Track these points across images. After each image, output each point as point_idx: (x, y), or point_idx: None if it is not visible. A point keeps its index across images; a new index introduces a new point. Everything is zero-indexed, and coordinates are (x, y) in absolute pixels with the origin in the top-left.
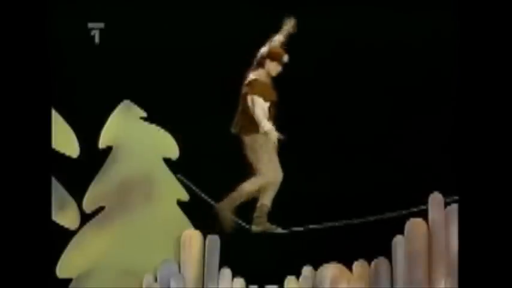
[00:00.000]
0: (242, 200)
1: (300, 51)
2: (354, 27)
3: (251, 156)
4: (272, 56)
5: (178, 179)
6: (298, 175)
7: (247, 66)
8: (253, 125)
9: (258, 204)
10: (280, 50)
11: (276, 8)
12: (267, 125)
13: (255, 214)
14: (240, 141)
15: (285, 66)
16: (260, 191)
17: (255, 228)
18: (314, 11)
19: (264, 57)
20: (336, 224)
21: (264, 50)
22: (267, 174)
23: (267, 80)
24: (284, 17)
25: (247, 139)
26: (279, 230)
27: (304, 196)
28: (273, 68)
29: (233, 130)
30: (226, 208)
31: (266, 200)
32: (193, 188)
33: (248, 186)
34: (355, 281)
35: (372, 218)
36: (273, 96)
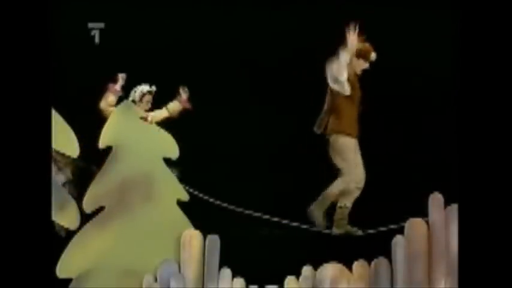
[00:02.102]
0: (331, 200)
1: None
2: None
3: (335, 156)
4: (360, 53)
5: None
6: (298, 175)
7: (247, 65)
8: (339, 125)
9: (340, 205)
10: (368, 48)
11: (276, 7)
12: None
13: (336, 216)
14: (325, 142)
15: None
16: (344, 192)
17: (336, 230)
18: (313, 10)
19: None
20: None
21: (351, 46)
22: (351, 176)
23: (352, 77)
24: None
25: (332, 139)
26: (360, 233)
27: (305, 196)
28: (359, 65)
29: (317, 130)
30: (317, 209)
31: (348, 202)
32: (197, 193)
33: (335, 188)
34: (355, 281)
35: (372, 230)
36: (357, 90)
